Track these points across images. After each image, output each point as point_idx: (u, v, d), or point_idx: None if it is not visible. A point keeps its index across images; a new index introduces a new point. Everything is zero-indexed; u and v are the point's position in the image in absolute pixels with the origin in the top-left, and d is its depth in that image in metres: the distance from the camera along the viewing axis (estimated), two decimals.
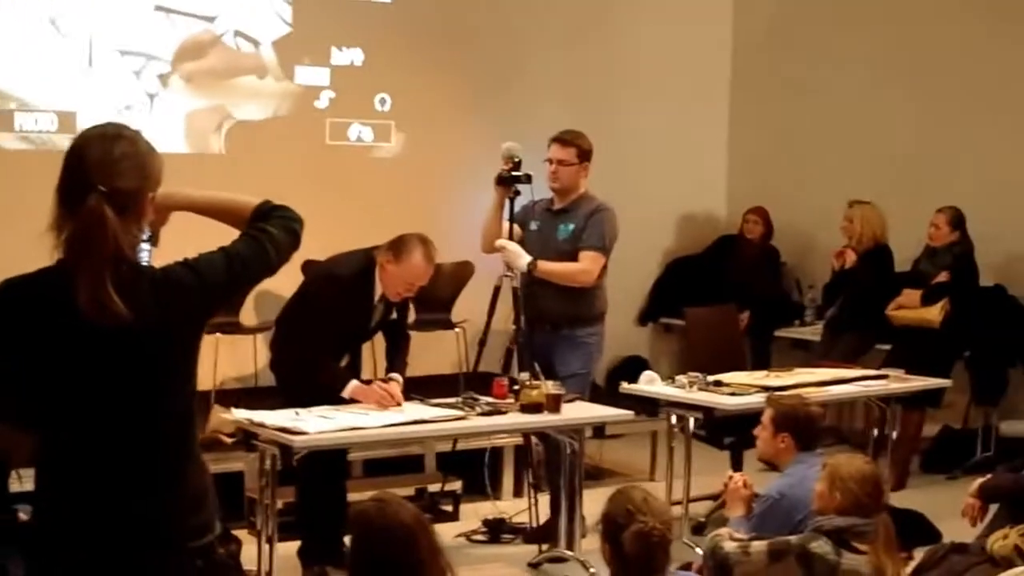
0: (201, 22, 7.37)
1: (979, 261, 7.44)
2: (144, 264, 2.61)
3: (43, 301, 2.54)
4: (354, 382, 5.19)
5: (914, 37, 8.33)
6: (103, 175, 2.50)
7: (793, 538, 3.98)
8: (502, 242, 5.81)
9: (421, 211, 7.30)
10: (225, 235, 2.71)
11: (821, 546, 3.86)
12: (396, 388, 5.26)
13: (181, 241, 2.77)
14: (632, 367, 7.79)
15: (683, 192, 9.02)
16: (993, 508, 5.05)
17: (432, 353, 7.40)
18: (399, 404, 5.17)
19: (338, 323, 5.24)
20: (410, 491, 6.11)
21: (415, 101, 7.87)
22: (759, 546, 4.01)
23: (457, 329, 7.50)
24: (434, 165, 7.85)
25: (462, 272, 7.60)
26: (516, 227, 5.90)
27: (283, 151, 7.40)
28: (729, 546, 4.06)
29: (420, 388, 5.56)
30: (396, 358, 5.55)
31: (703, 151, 9.18)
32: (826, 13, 8.87)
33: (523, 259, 5.77)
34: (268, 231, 2.66)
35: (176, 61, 7.28)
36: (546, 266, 5.79)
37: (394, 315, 5.52)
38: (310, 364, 5.19)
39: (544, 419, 5.30)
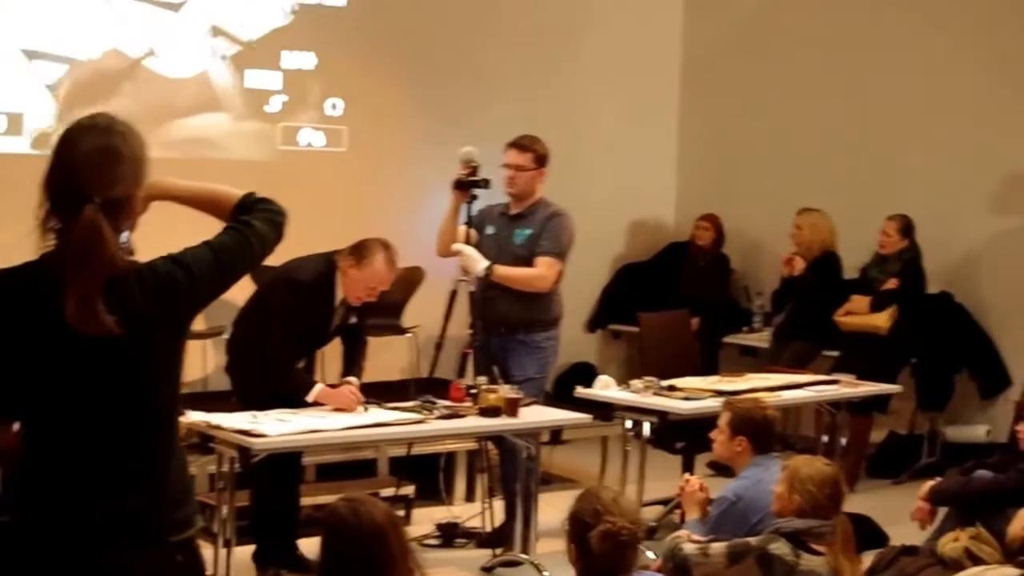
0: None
1: (925, 268, 7.54)
2: (129, 260, 2.59)
3: (28, 299, 2.54)
4: (319, 386, 5.20)
5: (859, 48, 8.45)
6: (98, 185, 2.50)
7: (752, 539, 4.01)
8: (459, 246, 5.82)
9: (372, 216, 7.29)
10: (204, 222, 2.71)
11: (780, 547, 3.89)
12: (355, 390, 5.28)
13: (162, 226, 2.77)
14: (580, 373, 7.85)
15: (632, 200, 9.10)
16: (942, 511, 5.17)
17: (383, 358, 7.38)
18: (363, 405, 5.18)
19: (300, 328, 5.23)
20: (365, 495, 6.08)
21: (367, 106, 7.87)
22: (718, 547, 4.05)
23: (408, 334, 7.50)
24: (385, 170, 7.85)
25: (413, 277, 7.59)
26: (472, 231, 5.92)
27: (234, 155, 7.36)
28: (688, 548, 4.11)
29: (371, 393, 5.55)
30: (353, 363, 5.56)
31: (652, 160, 9.26)
32: (771, 26, 8.99)
33: (480, 263, 5.79)
34: (252, 224, 2.67)
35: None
36: (503, 271, 5.81)
37: (353, 319, 5.50)
38: (273, 370, 5.17)
39: (502, 423, 5.32)
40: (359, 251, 5.26)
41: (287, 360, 5.23)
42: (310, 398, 5.13)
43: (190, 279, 2.58)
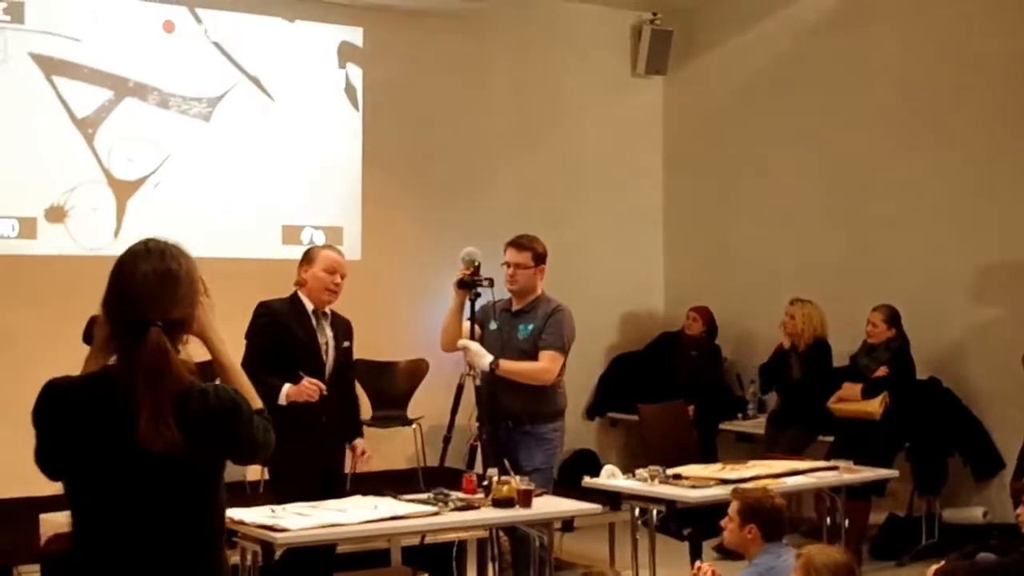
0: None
1: (913, 355, 7.72)
2: (191, 378, 2.73)
3: (96, 411, 2.68)
4: (287, 385, 5.27)
5: (841, 138, 8.71)
6: (157, 309, 2.67)
7: None
8: (464, 342, 5.95)
9: (377, 313, 7.46)
10: None
11: None
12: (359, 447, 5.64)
13: None
14: (581, 460, 7.94)
15: (623, 292, 9.36)
16: None
17: (389, 447, 7.52)
18: (323, 393, 5.31)
19: (274, 347, 5.35)
20: None
21: (372, 207, 8.04)
22: None
23: (413, 425, 7.62)
24: (390, 270, 8.02)
25: (417, 369, 7.75)
26: (476, 327, 6.05)
27: (239, 253, 7.50)
28: None
29: (377, 482, 5.65)
30: (350, 422, 5.76)
31: (640, 253, 9.60)
32: (751, 123, 9.28)
33: (486, 359, 5.91)
34: (271, 429, 2.85)
35: None
36: (508, 365, 5.94)
37: (346, 343, 5.65)
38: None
39: (516, 513, 5.38)
40: (305, 257, 5.61)
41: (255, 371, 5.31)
42: (281, 399, 5.24)
43: (242, 407, 2.75)
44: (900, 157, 8.40)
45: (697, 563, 4.95)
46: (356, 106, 8.05)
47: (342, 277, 5.60)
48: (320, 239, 7.85)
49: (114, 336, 2.69)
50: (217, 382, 2.84)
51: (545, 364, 5.99)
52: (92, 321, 2.86)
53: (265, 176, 7.72)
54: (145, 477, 2.65)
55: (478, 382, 5.93)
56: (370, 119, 8.05)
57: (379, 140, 8.08)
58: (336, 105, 8.02)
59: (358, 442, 5.72)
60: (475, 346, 5.94)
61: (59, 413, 2.69)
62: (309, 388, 5.30)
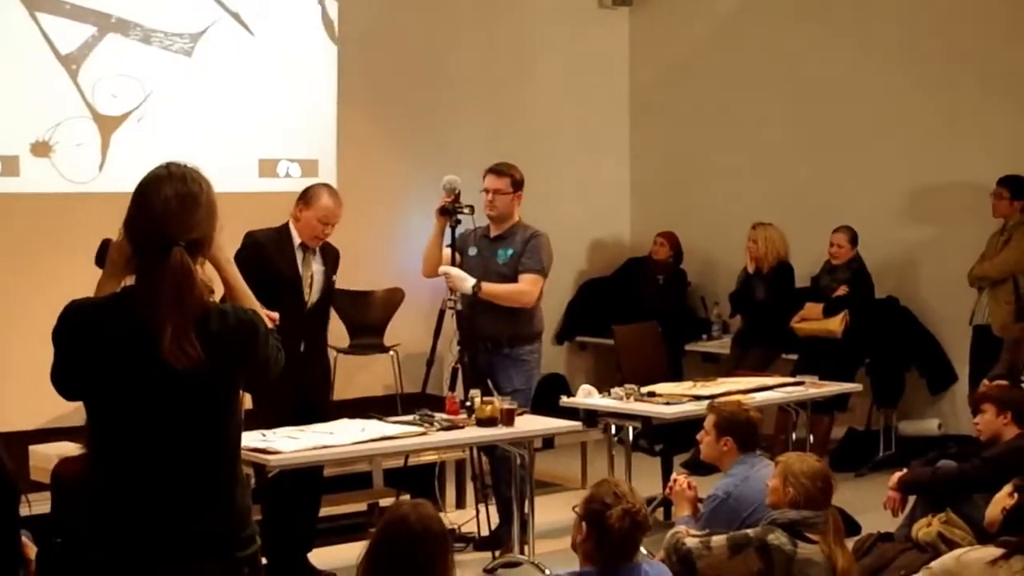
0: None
1: (872, 275, 7.98)
2: (210, 301, 2.84)
3: (121, 330, 2.75)
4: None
5: (801, 71, 8.91)
6: (180, 229, 2.75)
7: (751, 531, 4.25)
8: (446, 268, 6.10)
9: (353, 242, 7.55)
10: None
11: (778, 537, 4.14)
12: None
13: None
14: (552, 384, 8.17)
15: (591, 219, 9.53)
16: (910, 499, 5.56)
17: (366, 375, 7.69)
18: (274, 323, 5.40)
19: (257, 275, 5.43)
20: (362, 506, 6.37)
21: (347, 140, 8.13)
22: (719, 540, 4.27)
23: (390, 352, 7.79)
24: (364, 202, 8.09)
25: (393, 298, 7.89)
26: (457, 254, 6.21)
27: (218, 187, 7.56)
28: (691, 542, 4.33)
29: (356, 409, 5.82)
30: None
31: (607, 181, 9.74)
32: (717, 52, 9.43)
33: (468, 282, 6.07)
34: (281, 349, 2.96)
35: None
36: (490, 288, 6.11)
37: (334, 278, 5.79)
38: None
39: (500, 432, 5.60)
40: (305, 195, 5.70)
41: None
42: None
43: (260, 327, 2.88)
44: (859, 85, 8.60)
45: (673, 476, 5.14)
46: (333, 39, 8.11)
47: (332, 227, 5.71)
48: (296, 172, 7.95)
49: (136, 256, 2.76)
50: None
51: (525, 286, 6.16)
52: (105, 244, 2.89)
53: (243, 110, 7.77)
54: (168, 394, 2.73)
55: (459, 307, 6.09)
56: (345, 51, 8.12)
57: (354, 72, 8.14)
58: (313, 39, 8.07)
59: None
60: (456, 271, 6.09)
61: (82, 333, 2.75)
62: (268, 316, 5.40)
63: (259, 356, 2.86)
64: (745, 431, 4.97)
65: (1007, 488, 4.22)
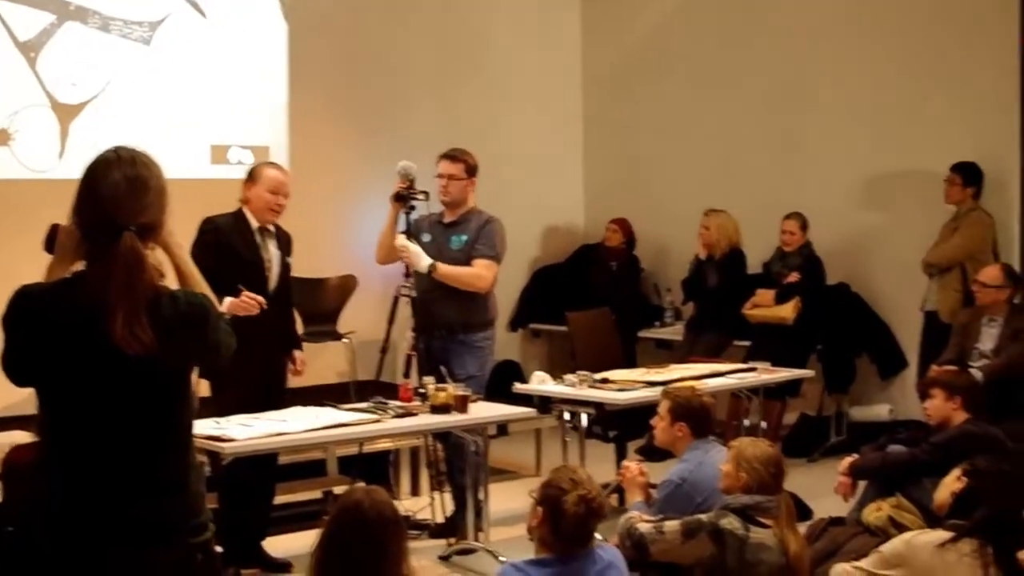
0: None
1: (824, 261, 8.04)
2: (161, 286, 2.82)
3: (71, 316, 2.73)
4: (227, 300, 5.31)
5: (752, 61, 8.97)
6: (129, 213, 2.73)
7: (704, 516, 4.27)
8: (403, 242, 6.05)
9: (306, 229, 7.52)
10: None
11: (731, 522, 4.16)
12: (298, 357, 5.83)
13: None
14: (506, 371, 8.19)
15: (544, 206, 9.55)
16: (861, 485, 5.61)
17: (319, 362, 7.64)
18: (263, 307, 5.41)
19: (214, 261, 5.31)
20: (317, 494, 6.35)
21: (299, 126, 8.09)
22: (673, 525, 4.29)
23: (344, 340, 7.75)
24: (317, 188, 8.08)
25: (347, 285, 7.87)
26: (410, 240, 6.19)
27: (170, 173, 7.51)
28: (644, 527, 4.33)
29: (310, 396, 5.80)
30: (289, 334, 5.95)
31: (560, 168, 9.77)
32: (670, 37, 9.47)
33: (424, 260, 6.06)
34: (232, 334, 2.93)
35: None
36: (445, 268, 6.09)
37: (288, 259, 5.79)
38: None
39: (453, 419, 5.59)
40: (250, 174, 5.74)
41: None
42: (223, 309, 5.34)
43: (211, 312, 2.86)
44: (810, 72, 8.67)
45: (625, 462, 5.16)
46: (285, 26, 8.06)
47: (285, 197, 5.71)
48: (248, 158, 7.90)
49: (86, 241, 2.74)
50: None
51: (479, 271, 6.16)
52: (55, 229, 2.85)
53: (197, 97, 7.72)
54: (120, 380, 2.71)
55: (414, 294, 6.08)
56: (297, 38, 8.08)
57: (307, 59, 8.11)
58: (265, 25, 8.02)
59: (296, 353, 5.86)
60: (414, 247, 6.06)
61: (33, 318, 2.73)
62: (248, 302, 5.39)
63: (210, 340, 2.84)
64: (699, 417, 5.00)
65: (955, 472, 4.27)
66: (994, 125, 7.79)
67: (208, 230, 5.58)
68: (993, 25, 7.82)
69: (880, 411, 8.00)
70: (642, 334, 8.87)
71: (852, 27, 8.49)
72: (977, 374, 6.49)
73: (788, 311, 7.80)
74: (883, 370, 8.18)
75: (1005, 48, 7.73)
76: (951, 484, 4.24)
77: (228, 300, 5.38)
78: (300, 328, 7.58)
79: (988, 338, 6.92)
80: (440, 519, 6.25)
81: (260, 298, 5.44)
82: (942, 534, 4.08)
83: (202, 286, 2.93)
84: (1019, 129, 7.75)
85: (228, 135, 7.87)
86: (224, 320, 2.92)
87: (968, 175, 7.60)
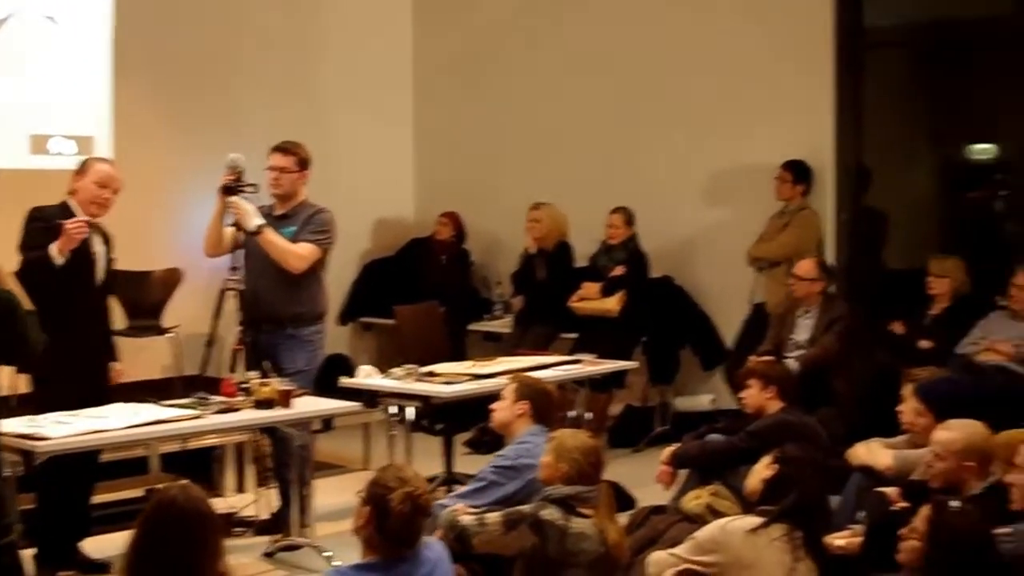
0: None
1: (649, 255, 8.20)
2: None
3: None
4: (52, 246, 5.25)
5: (580, 56, 9.08)
6: None
7: (525, 507, 4.34)
8: (235, 199, 5.93)
9: (130, 221, 7.37)
10: None
11: (551, 513, 4.22)
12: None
13: None
14: (335, 364, 8.12)
15: (375, 199, 9.52)
16: (682, 473, 5.75)
17: (144, 357, 7.49)
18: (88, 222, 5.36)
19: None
20: (139, 492, 6.22)
21: (125, 113, 7.90)
22: (494, 517, 4.35)
23: (169, 334, 7.61)
24: (142, 180, 7.88)
25: (172, 278, 7.73)
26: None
27: None
28: (466, 519, 4.38)
29: (135, 392, 5.69)
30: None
31: (391, 161, 9.75)
32: (500, 26, 9.52)
33: (254, 220, 5.95)
34: (40, 329, 2.88)
35: None
36: (271, 235, 6.00)
37: (113, 256, 5.68)
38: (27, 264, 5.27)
39: (277, 414, 5.53)
40: (80, 167, 5.64)
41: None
42: (57, 258, 5.26)
43: (17, 306, 2.81)
44: (642, 67, 8.80)
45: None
46: (110, 13, 7.85)
47: (113, 192, 5.58)
48: (70, 149, 7.68)
49: None
50: None
51: (300, 251, 6.08)
52: None
53: (15, 86, 7.47)
54: None
55: (242, 287, 5.99)
56: (122, 26, 7.87)
57: (132, 47, 7.90)
58: (88, 13, 7.80)
59: (114, 365, 5.75)
60: (245, 205, 5.96)
61: None
62: (73, 229, 5.27)
63: (16, 332, 2.79)
64: (542, 399, 5.07)
65: (766, 459, 4.41)
66: (811, 124, 8.03)
67: (37, 218, 5.44)
68: (804, 25, 8.07)
69: (702, 401, 8.19)
70: (472, 327, 8.90)
71: (678, 24, 8.65)
72: (793, 364, 6.72)
73: (613, 304, 7.94)
74: (706, 361, 8.37)
75: (819, 48, 7.99)
76: (762, 471, 4.39)
77: (53, 246, 5.26)
78: (124, 322, 7.47)
79: (803, 329, 7.16)
80: (266, 516, 6.17)
81: (81, 218, 5.33)
82: (754, 520, 4.22)
83: (7, 283, 2.88)
84: (833, 127, 8.03)
85: (49, 125, 7.63)
86: (32, 316, 2.87)
87: (798, 173, 7.86)
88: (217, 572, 3.14)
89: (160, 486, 6.14)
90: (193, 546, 3.11)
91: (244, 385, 5.63)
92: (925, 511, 3.70)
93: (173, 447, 6.27)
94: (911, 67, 9.31)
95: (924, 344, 6.93)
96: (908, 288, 7.52)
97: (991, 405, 5.11)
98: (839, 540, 4.50)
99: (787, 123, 8.13)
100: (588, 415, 7.03)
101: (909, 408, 5.10)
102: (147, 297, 7.60)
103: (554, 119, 9.20)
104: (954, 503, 3.75)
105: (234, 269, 5.99)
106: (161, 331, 7.64)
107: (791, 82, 8.14)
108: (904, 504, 4.40)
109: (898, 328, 7.20)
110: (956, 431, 4.43)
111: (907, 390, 5.16)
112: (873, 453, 5.11)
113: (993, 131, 8.62)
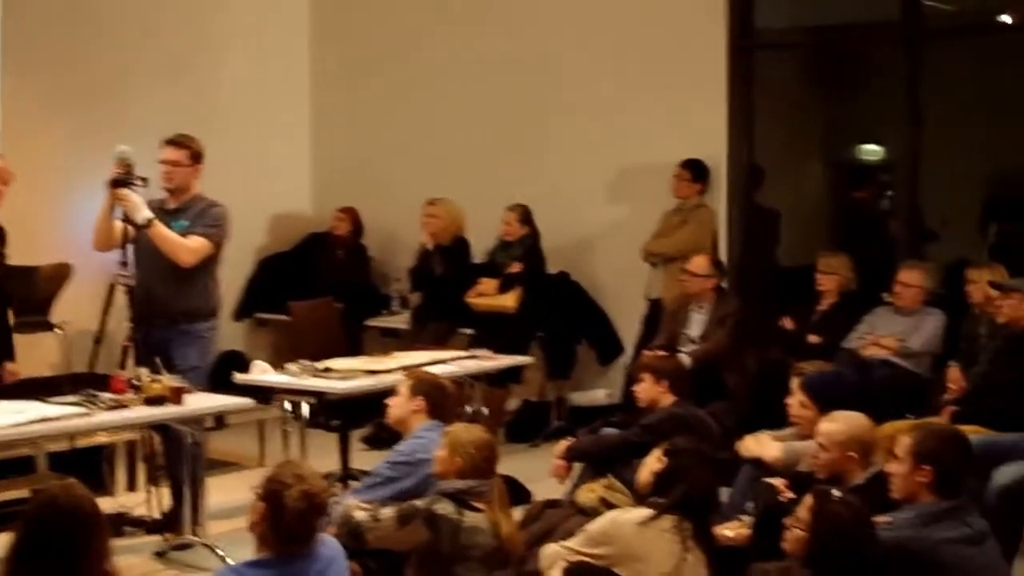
0: None
1: (545, 251, 8.26)
2: None
3: None
4: None
5: (480, 52, 9.09)
6: None
7: (419, 502, 4.34)
8: (125, 191, 5.82)
9: (17, 214, 7.22)
10: None
11: (445, 507, 4.25)
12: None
13: None
14: (230, 361, 8.04)
15: (271, 193, 9.43)
16: (577, 467, 5.81)
17: (31, 354, 7.32)
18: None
19: None
20: (25, 493, 6.09)
21: (11, 104, 7.74)
22: (388, 512, 4.35)
23: (57, 331, 7.47)
24: (29, 173, 7.71)
25: (60, 273, 7.58)
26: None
27: None
28: (360, 515, 4.38)
29: (20, 390, 5.59)
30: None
31: (287, 155, 9.67)
32: (401, 17, 9.49)
33: (143, 212, 5.85)
34: None
35: None
36: (160, 228, 5.90)
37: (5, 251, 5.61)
38: None
39: (169, 411, 5.46)
40: None
41: None
42: None
43: None
44: (541, 65, 8.83)
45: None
46: None
47: (3, 183, 5.45)
48: None
49: None
50: None
51: (192, 245, 6.00)
52: None
53: None
54: None
55: (132, 282, 5.89)
56: (9, 14, 7.72)
57: (19, 36, 7.75)
58: None
59: (9, 365, 5.63)
60: (135, 197, 5.85)
61: None
62: None
63: None
64: (438, 394, 5.06)
65: (656, 452, 4.48)
66: (706, 123, 8.15)
67: None
68: (699, 26, 8.18)
69: (598, 395, 8.26)
70: (369, 323, 8.87)
71: (576, 24, 8.70)
72: (686, 359, 6.82)
73: (510, 300, 7.99)
74: (602, 356, 8.45)
75: (713, 48, 8.11)
76: (652, 464, 4.45)
77: None
78: (11, 319, 7.31)
79: (696, 324, 7.28)
80: (157, 515, 6.09)
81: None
82: (644, 512, 4.28)
83: None
84: (727, 127, 8.16)
85: None
86: None
87: (696, 171, 7.99)
88: (103, 572, 3.10)
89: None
90: (76, 546, 3.07)
91: (135, 382, 5.55)
92: (808, 501, 3.78)
93: (61, 446, 6.14)
94: (802, 69, 9.51)
95: (813, 339, 7.09)
96: (798, 284, 7.68)
97: (876, 398, 5.24)
98: (728, 531, 4.58)
99: (683, 122, 8.23)
100: (485, 410, 7.04)
101: (795, 401, 5.20)
102: (35, 292, 7.44)
103: (453, 115, 9.20)
104: (836, 493, 3.83)
105: (124, 264, 5.86)
106: (49, 327, 7.50)
107: (687, 82, 8.25)
108: (791, 495, 4.49)
109: (788, 323, 7.35)
110: (839, 423, 4.54)
111: (795, 383, 5.26)
112: (762, 445, 5.20)
113: (880, 133, 8.82)
